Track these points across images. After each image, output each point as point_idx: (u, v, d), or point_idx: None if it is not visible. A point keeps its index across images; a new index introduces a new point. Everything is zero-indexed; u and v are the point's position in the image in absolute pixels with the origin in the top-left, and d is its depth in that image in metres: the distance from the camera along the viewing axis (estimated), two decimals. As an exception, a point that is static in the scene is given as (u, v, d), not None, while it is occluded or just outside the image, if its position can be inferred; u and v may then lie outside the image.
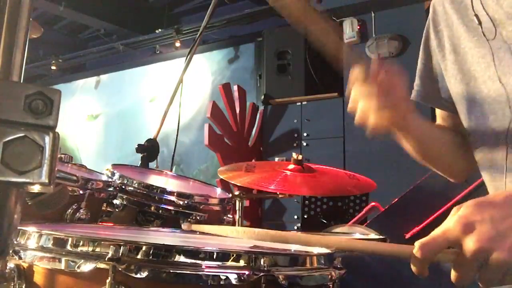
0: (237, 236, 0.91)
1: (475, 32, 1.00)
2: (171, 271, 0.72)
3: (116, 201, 1.43)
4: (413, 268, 0.70)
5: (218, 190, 1.83)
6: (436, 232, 0.69)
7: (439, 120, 1.23)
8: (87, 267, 0.72)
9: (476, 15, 1.00)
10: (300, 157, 1.78)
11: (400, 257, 0.73)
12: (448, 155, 1.16)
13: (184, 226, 1.03)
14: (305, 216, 4.33)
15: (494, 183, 1.00)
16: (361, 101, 1.01)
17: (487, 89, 0.98)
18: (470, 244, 0.66)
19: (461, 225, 0.68)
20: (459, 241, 0.67)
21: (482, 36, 0.98)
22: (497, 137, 0.97)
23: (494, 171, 1.00)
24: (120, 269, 0.71)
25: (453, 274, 0.70)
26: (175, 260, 0.74)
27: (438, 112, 1.22)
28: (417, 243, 0.69)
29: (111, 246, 0.72)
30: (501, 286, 0.70)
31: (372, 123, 0.98)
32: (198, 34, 2.17)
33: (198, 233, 1.24)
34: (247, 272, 0.74)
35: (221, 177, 1.79)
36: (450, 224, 0.69)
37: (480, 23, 0.99)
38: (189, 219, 1.46)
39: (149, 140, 1.97)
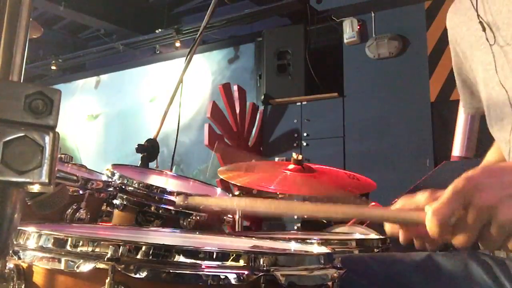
0: (238, 206, 0.88)
1: (481, 41, 1.02)
2: (171, 271, 0.72)
3: (116, 201, 1.43)
4: (430, 231, 0.69)
5: (218, 190, 1.83)
6: (446, 194, 0.69)
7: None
8: (86, 267, 0.72)
9: (481, 22, 1.01)
10: (300, 157, 1.78)
11: (413, 224, 0.73)
12: None
13: (179, 198, 0.99)
14: (305, 216, 4.32)
15: None
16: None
17: (494, 94, 0.99)
18: (479, 200, 0.67)
19: (472, 184, 0.68)
20: (469, 199, 0.68)
21: (486, 43, 1.00)
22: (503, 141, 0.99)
23: None
24: (119, 269, 0.71)
25: (456, 239, 0.70)
26: (175, 260, 0.74)
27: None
28: (429, 209, 0.69)
29: (110, 246, 0.72)
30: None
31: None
32: (198, 34, 2.17)
33: (197, 233, 1.24)
34: (246, 272, 0.74)
35: (221, 177, 1.79)
36: (459, 185, 0.69)
37: (484, 29, 1.00)
38: (189, 219, 1.46)
39: (149, 140, 1.97)
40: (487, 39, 0.99)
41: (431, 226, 0.69)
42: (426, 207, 0.70)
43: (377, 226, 2.07)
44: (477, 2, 1.03)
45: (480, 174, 0.70)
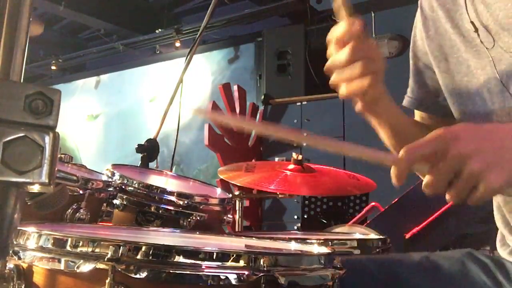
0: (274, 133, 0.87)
1: (473, 43, 0.97)
2: (171, 271, 0.72)
3: (116, 201, 1.43)
4: (393, 172, 0.74)
5: (218, 190, 1.83)
6: (424, 138, 0.73)
7: (417, 117, 1.20)
8: (86, 267, 0.72)
9: (472, 22, 0.97)
10: (300, 157, 1.78)
11: (384, 162, 0.76)
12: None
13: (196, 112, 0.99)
14: (305, 216, 4.32)
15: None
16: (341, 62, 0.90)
17: (483, 100, 0.96)
18: (452, 149, 0.71)
19: (448, 134, 0.73)
20: (443, 147, 0.71)
21: (481, 47, 0.96)
22: None
23: None
24: (119, 269, 0.71)
25: (424, 182, 0.75)
26: (175, 260, 0.74)
27: (421, 113, 1.19)
28: (403, 148, 0.73)
29: (110, 247, 0.72)
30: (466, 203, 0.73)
31: (351, 90, 0.90)
32: (198, 34, 2.16)
33: (197, 233, 1.24)
34: (246, 272, 0.74)
35: (221, 177, 1.79)
36: (438, 133, 0.73)
37: (476, 30, 0.96)
38: (189, 219, 1.46)
39: (149, 140, 1.97)
40: (481, 41, 0.95)
41: (396, 164, 0.73)
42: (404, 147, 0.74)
43: (377, 226, 2.07)
44: (466, 1, 0.98)
45: (459, 128, 0.75)
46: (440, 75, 1.05)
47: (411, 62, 1.16)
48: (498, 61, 0.93)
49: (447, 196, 0.74)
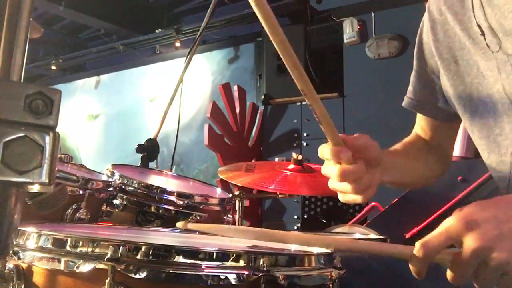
0: (235, 236, 0.91)
1: (481, 45, 0.97)
2: (171, 271, 0.72)
3: (116, 201, 1.43)
4: (412, 268, 0.70)
5: (218, 190, 1.83)
6: (438, 230, 0.69)
7: (417, 129, 1.22)
8: (86, 267, 0.72)
9: (479, 26, 0.96)
10: (300, 157, 1.78)
11: (401, 258, 0.72)
12: (425, 173, 1.16)
13: (179, 224, 1.03)
14: (305, 216, 4.32)
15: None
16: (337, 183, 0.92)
17: (492, 103, 0.95)
18: (471, 241, 0.65)
19: (464, 222, 0.67)
20: (461, 238, 0.67)
21: (487, 49, 0.95)
22: (502, 152, 0.96)
23: (501, 183, 0.99)
24: (119, 269, 0.71)
25: (449, 273, 0.70)
26: (175, 260, 0.74)
27: (421, 120, 1.20)
28: (418, 242, 0.69)
29: (110, 247, 0.72)
30: None
31: (346, 200, 0.93)
32: (198, 34, 2.17)
33: (197, 233, 1.24)
34: (246, 272, 0.74)
35: (221, 177, 1.79)
36: (453, 221, 0.68)
37: (483, 34, 0.95)
38: (189, 219, 1.46)
39: (149, 140, 1.97)
40: (487, 45, 0.95)
41: (413, 260, 0.69)
42: (417, 242, 0.70)
43: (377, 226, 2.07)
44: (473, 4, 0.98)
45: (473, 211, 0.68)
46: (448, 78, 1.05)
47: (416, 63, 1.15)
48: (502, 63, 0.93)
49: (476, 285, 0.70)
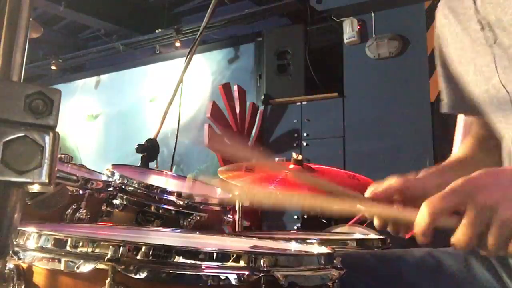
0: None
1: (478, 41, 0.98)
2: (171, 271, 0.72)
3: (116, 201, 1.43)
4: (416, 231, 0.70)
5: (218, 190, 1.83)
6: (444, 191, 0.70)
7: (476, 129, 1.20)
8: (86, 267, 0.72)
9: (479, 21, 0.97)
10: (300, 157, 1.78)
11: (406, 220, 0.74)
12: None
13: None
14: (305, 216, 4.32)
15: None
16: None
17: (490, 98, 0.96)
18: (477, 200, 0.67)
19: (469, 183, 0.69)
20: (466, 199, 0.68)
21: (484, 44, 0.96)
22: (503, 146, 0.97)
23: None
24: (119, 269, 0.71)
25: (455, 237, 0.70)
26: (175, 260, 0.73)
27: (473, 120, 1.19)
28: (425, 202, 0.70)
29: (110, 247, 0.72)
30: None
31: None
32: (198, 34, 2.17)
33: (197, 233, 1.24)
34: (246, 273, 0.74)
35: (221, 177, 1.79)
36: (459, 183, 0.70)
37: (483, 28, 0.96)
38: (189, 219, 1.46)
39: (149, 140, 1.97)
40: (485, 40, 0.96)
41: (419, 221, 0.70)
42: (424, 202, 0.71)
43: (373, 226, 2.07)
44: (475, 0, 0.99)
45: (478, 176, 0.70)
46: (469, 78, 1.05)
47: (440, 69, 1.17)
48: (499, 57, 0.94)
49: (483, 252, 0.70)
